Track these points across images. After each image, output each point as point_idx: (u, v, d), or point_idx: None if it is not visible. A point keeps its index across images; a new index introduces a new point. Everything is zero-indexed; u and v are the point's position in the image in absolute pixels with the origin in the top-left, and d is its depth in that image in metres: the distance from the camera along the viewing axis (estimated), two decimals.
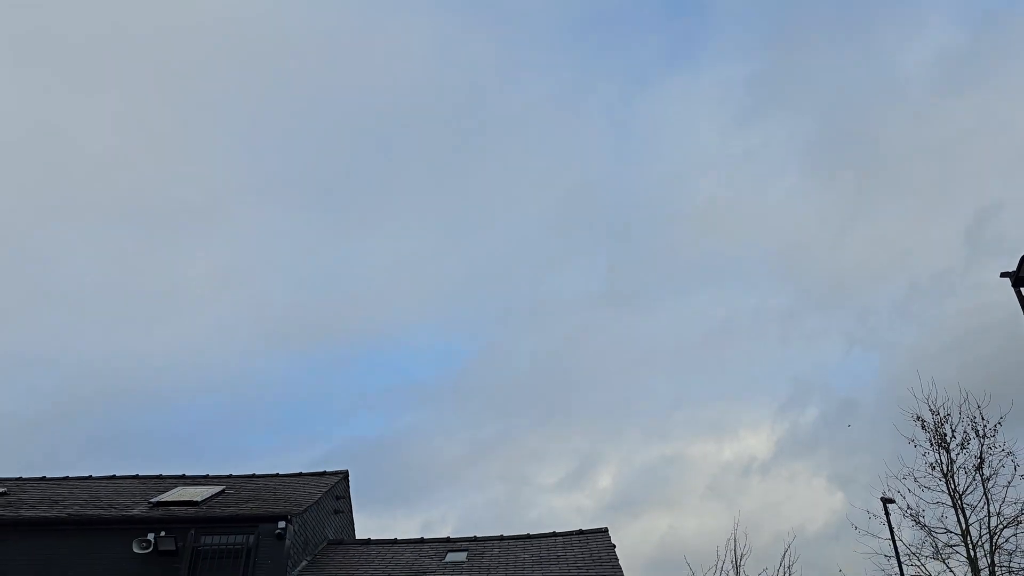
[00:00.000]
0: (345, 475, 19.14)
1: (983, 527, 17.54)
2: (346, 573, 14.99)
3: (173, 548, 14.01)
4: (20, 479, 18.39)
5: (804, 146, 69.78)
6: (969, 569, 17.35)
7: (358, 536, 19.78)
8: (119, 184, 63.25)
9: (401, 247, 69.48)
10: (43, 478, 18.49)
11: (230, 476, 18.55)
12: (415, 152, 72.46)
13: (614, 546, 16.23)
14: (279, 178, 66.75)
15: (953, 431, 18.60)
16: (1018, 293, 10.25)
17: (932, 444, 18.72)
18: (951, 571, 17.69)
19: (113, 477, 18.66)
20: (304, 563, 15.47)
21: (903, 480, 18.82)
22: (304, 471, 18.93)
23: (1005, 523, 17.39)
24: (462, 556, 16.05)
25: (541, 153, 72.11)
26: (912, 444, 19.06)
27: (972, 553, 17.50)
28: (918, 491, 18.53)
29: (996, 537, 17.41)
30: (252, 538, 14.29)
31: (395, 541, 17.55)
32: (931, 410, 19.07)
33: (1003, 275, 10.60)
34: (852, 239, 66.32)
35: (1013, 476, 17.57)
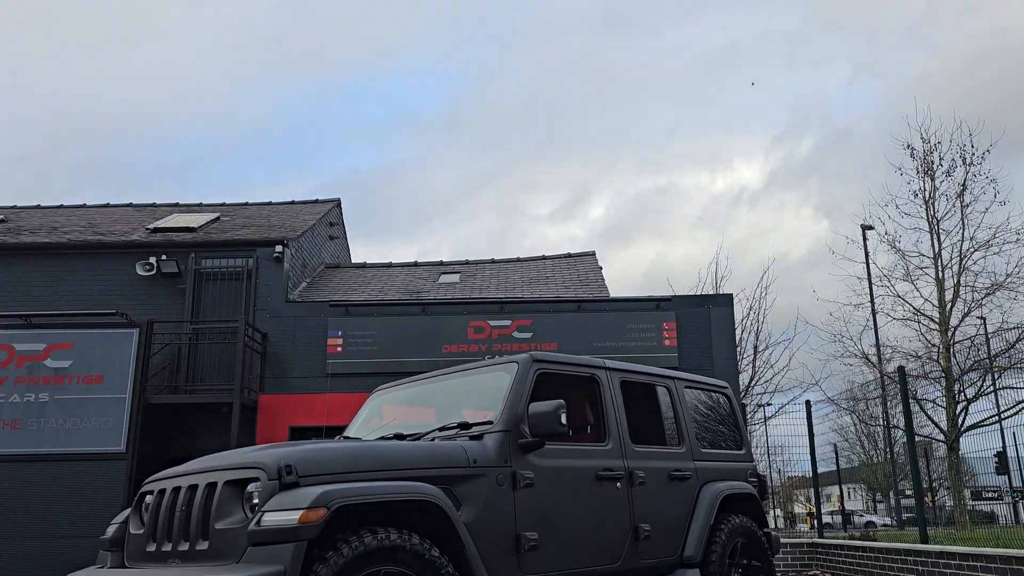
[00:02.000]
0: (337, 203, 19.39)
1: (955, 250, 18.22)
2: (344, 293, 15.71)
3: (176, 270, 14.53)
4: (15, 207, 18.55)
5: None
6: (935, 288, 18.30)
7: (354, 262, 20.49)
8: None
9: None
10: (38, 206, 18.65)
11: (224, 204, 18.76)
12: None
13: (601, 268, 16.94)
14: None
15: (941, 159, 18.67)
16: None
17: (918, 172, 18.87)
18: (918, 291, 18.65)
19: (107, 205, 18.84)
20: (303, 284, 16.16)
21: (885, 208, 19.22)
22: (297, 199, 19.14)
23: (976, 247, 18.05)
24: (455, 278, 16.78)
25: None
26: (899, 172, 19.23)
27: (940, 275, 18.35)
28: (898, 218, 19.00)
29: (965, 260, 18.14)
30: (251, 261, 14.76)
31: (390, 264, 18.25)
32: (922, 138, 18.99)
33: None
34: None
35: (992, 203, 17.94)
